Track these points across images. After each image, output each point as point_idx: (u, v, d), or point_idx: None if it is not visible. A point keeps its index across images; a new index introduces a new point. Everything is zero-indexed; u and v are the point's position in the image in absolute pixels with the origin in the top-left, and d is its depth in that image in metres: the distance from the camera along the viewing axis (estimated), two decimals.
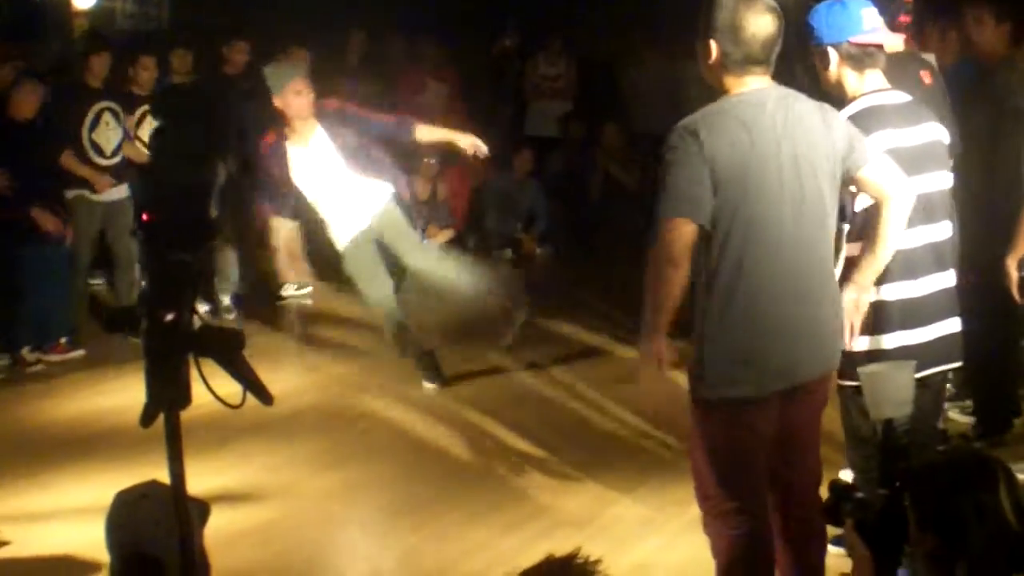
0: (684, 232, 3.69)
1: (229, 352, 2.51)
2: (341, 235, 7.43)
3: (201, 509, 3.07)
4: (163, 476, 2.76)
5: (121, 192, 8.97)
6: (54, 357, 8.53)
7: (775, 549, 4.02)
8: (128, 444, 6.08)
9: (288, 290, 10.04)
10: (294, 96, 7.18)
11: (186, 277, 2.50)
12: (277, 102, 7.20)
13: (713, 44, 3.78)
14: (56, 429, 7.20)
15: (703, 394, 3.84)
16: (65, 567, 5.33)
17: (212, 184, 2.38)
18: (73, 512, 5.77)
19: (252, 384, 2.56)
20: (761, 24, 3.75)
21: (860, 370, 3.94)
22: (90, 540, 4.81)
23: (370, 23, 12.60)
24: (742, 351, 3.78)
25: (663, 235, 3.69)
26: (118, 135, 8.97)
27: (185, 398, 2.54)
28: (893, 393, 3.42)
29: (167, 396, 2.52)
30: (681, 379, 3.90)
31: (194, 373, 2.58)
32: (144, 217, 2.52)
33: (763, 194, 3.72)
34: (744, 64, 3.77)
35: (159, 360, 2.49)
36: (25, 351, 8.42)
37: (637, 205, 10.91)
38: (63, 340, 8.61)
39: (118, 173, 8.97)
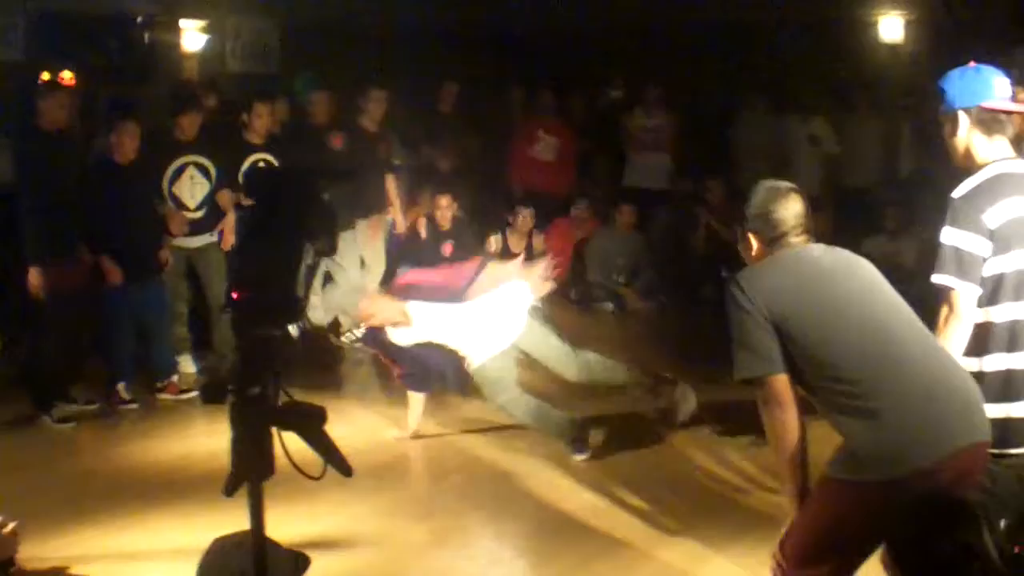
0: (779, 384, 3.91)
1: (311, 427, 2.61)
2: (476, 355, 7.23)
3: (300, 561, 3.15)
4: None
5: (206, 239, 9.14)
6: (167, 396, 8.72)
7: None
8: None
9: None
10: None
11: (272, 353, 2.60)
12: None
13: (751, 236, 4.12)
14: (160, 469, 7.32)
15: (834, 474, 3.88)
16: None
17: (299, 264, 2.45)
18: (171, 553, 5.85)
19: (332, 457, 2.65)
20: (789, 207, 4.09)
21: None
22: None
23: (481, 75, 12.82)
24: (887, 441, 3.79)
25: (765, 392, 3.92)
26: (204, 189, 9.07)
27: (268, 469, 2.64)
28: None
29: (251, 467, 2.62)
30: None
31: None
32: (234, 295, 2.63)
33: (827, 317, 3.89)
34: (781, 239, 4.07)
35: (244, 432, 2.59)
36: (120, 387, 8.54)
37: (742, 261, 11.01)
38: (175, 378, 8.83)
39: (204, 225, 9.14)
